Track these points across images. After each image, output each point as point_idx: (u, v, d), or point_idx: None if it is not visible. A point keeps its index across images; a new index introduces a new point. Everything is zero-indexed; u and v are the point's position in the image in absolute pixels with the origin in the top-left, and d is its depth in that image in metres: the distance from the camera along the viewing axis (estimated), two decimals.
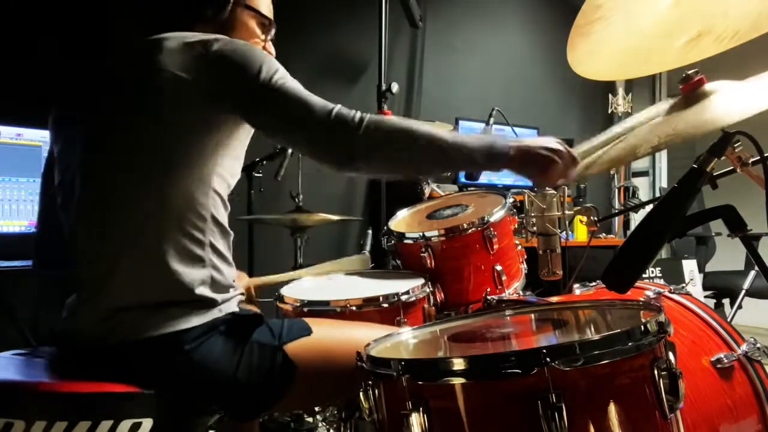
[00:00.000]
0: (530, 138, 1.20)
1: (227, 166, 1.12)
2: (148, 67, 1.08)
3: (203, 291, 1.06)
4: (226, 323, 1.08)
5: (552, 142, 1.16)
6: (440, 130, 1.12)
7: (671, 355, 0.85)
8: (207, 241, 1.08)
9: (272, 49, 1.31)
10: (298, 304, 1.46)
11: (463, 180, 3.32)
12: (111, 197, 1.08)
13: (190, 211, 1.06)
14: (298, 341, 1.12)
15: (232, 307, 1.11)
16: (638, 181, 4.62)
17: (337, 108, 1.07)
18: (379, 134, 1.06)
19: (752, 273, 2.91)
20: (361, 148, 1.05)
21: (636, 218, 3.95)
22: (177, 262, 1.04)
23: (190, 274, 1.05)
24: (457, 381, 0.79)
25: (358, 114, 1.06)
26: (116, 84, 1.13)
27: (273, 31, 1.31)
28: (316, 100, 1.08)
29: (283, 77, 1.08)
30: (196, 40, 1.09)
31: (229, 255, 1.14)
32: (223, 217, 1.13)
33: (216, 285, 1.08)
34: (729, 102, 0.97)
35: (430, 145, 1.09)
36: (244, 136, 1.15)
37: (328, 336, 1.17)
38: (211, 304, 1.07)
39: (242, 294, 1.17)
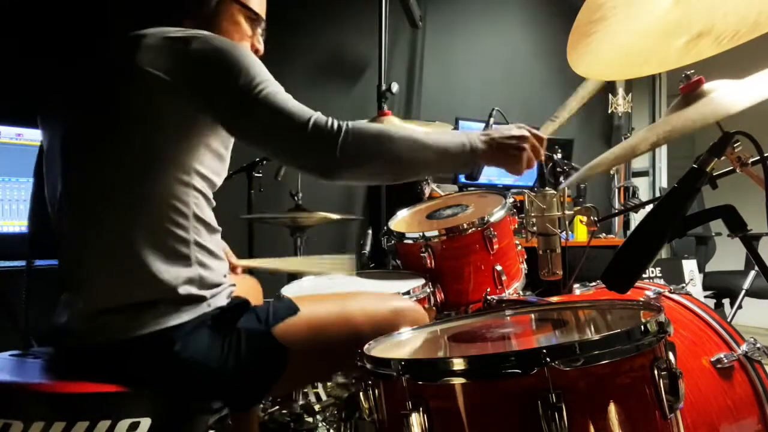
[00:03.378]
0: (499, 128, 1.20)
1: (208, 164, 1.11)
2: (125, 65, 1.06)
3: (190, 289, 1.05)
4: (214, 317, 1.08)
5: (516, 130, 1.19)
6: (417, 132, 1.12)
7: (671, 355, 0.85)
8: (191, 239, 1.07)
9: (261, 45, 1.29)
10: None
11: (463, 180, 3.32)
12: (89, 198, 1.07)
13: (171, 209, 1.05)
14: (286, 321, 1.11)
15: (221, 301, 1.11)
16: (638, 181, 4.62)
17: (314, 118, 1.05)
18: (358, 144, 1.05)
19: (752, 273, 2.91)
20: (341, 159, 1.04)
21: (636, 218, 3.95)
22: (161, 261, 1.03)
23: (176, 272, 1.04)
24: (457, 381, 0.79)
25: (336, 123, 1.05)
26: (94, 82, 1.12)
27: (262, 26, 1.28)
28: (295, 109, 1.05)
29: (262, 83, 1.05)
30: (175, 37, 1.06)
31: (217, 250, 1.13)
32: (208, 215, 1.11)
33: (204, 282, 1.08)
34: (724, 96, 0.97)
35: (408, 153, 1.09)
36: (226, 135, 1.13)
37: (317, 312, 1.16)
38: (200, 299, 1.06)
39: (233, 285, 1.16)
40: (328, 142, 1.04)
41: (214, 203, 1.14)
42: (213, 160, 1.12)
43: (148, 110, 1.05)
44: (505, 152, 1.18)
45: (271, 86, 1.06)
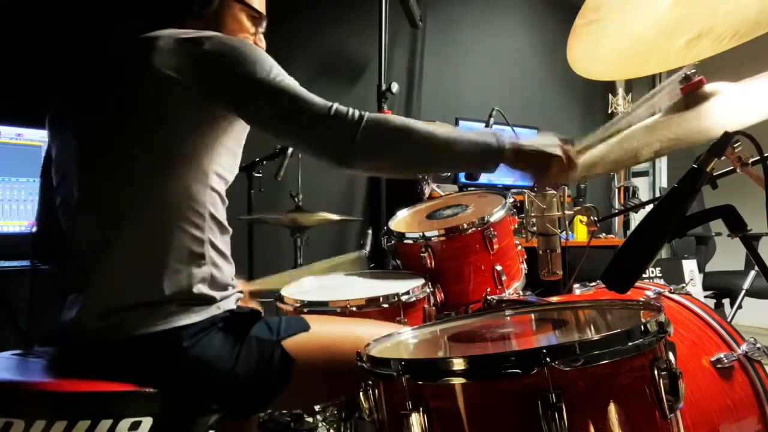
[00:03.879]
0: (532, 137, 1.17)
1: (224, 163, 1.12)
2: (139, 67, 1.07)
3: (202, 289, 1.07)
4: (225, 320, 1.09)
5: (551, 146, 1.15)
6: (440, 128, 1.12)
7: (671, 355, 0.85)
8: (206, 239, 1.09)
9: (263, 43, 1.30)
10: (298, 305, 1.46)
11: (463, 180, 3.32)
12: (107, 198, 1.08)
13: (189, 209, 1.07)
14: (296, 337, 1.12)
15: (230, 304, 1.12)
16: (638, 181, 4.63)
17: (336, 106, 1.07)
18: (378, 133, 1.06)
19: (752, 273, 2.91)
20: (360, 146, 1.06)
21: (636, 218, 3.95)
22: (176, 260, 1.05)
23: (190, 271, 1.06)
24: (457, 381, 0.79)
25: (357, 112, 1.07)
26: (109, 84, 1.13)
27: (264, 24, 1.30)
28: (314, 97, 1.08)
29: (281, 74, 1.08)
30: (187, 38, 1.08)
31: (228, 252, 1.15)
32: (222, 215, 1.13)
33: (215, 283, 1.09)
34: (733, 108, 0.97)
35: (427, 146, 1.10)
36: (239, 132, 1.15)
37: (327, 332, 1.17)
38: (210, 301, 1.08)
39: (240, 292, 1.17)
40: (348, 128, 1.05)
41: (227, 202, 1.15)
42: (228, 158, 1.14)
43: (164, 112, 1.06)
44: (533, 163, 1.15)
45: (288, 78, 1.09)
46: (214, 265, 1.09)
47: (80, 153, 1.12)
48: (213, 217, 1.10)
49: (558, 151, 1.15)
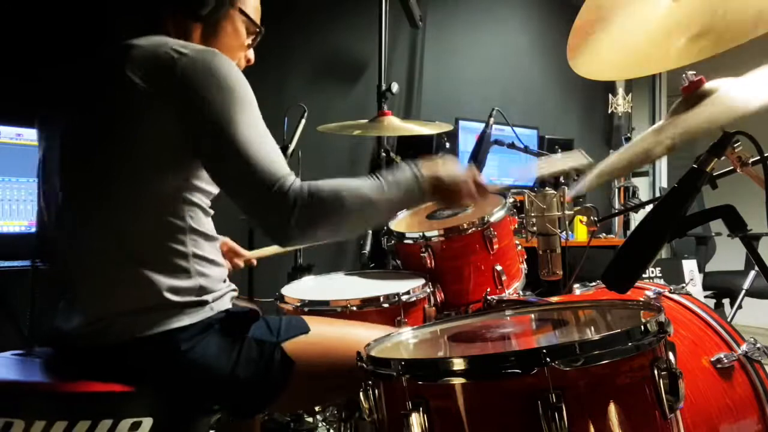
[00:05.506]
0: (442, 165, 1.20)
1: (205, 176, 1.08)
2: (116, 75, 1.04)
3: (191, 297, 1.05)
4: (221, 321, 1.08)
5: (460, 175, 1.19)
6: (371, 188, 1.10)
7: (671, 355, 0.85)
8: (189, 252, 1.06)
9: (252, 56, 1.28)
10: (298, 304, 1.46)
11: None
12: (86, 207, 1.06)
13: (167, 225, 1.04)
14: (296, 339, 1.12)
15: (224, 304, 1.11)
16: (638, 181, 4.62)
17: (278, 185, 1.01)
18: (312, 213, 1.03)
19: (752, 273, 2.91)
20: (294, 232, 1.03)
21: (636, 218, 3.95)
22: (159, 274, 1.03)
23: (176, 284, 1.04)
24: (457, 381, 0.80)
25: (293, 195, 1.01)
26: (89, 90, 1.11)
27: (258, 39, 1.28)
28: (265, 166, 1.02)
29: (240, 124, 1.02)
30: (163, 51, 1.04)
31: (217, 257, 1.13)
32: (205, 225, 1.10)
33: (204, 290, 1.07)
34: (742, 93, 0.97)
35: (359, 213, 1.09)
36: None
37: (327, 334, 1.16)
38: (202, 304, 1.07)
39: (234, 290, 1.16)
40: (284, 212, 1.01)
41: (212, 212, 1.13)
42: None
43: (137, 121, 1.03)
44: (447, 193, 1.20)
45: (247, 130, 1.03)
46: (202, 275, 1.07)
47: (62, 160, 1.10)
48: (194, 230, 1.07)
49: (466, 181, 1.20)
